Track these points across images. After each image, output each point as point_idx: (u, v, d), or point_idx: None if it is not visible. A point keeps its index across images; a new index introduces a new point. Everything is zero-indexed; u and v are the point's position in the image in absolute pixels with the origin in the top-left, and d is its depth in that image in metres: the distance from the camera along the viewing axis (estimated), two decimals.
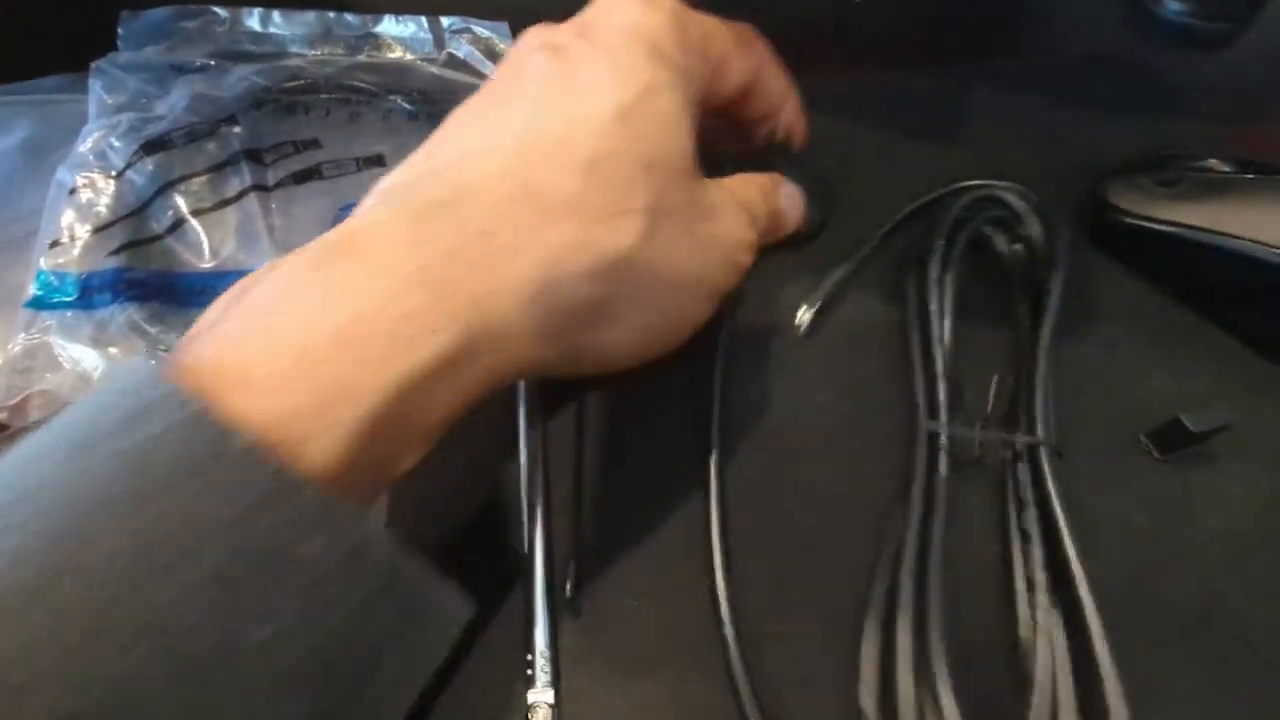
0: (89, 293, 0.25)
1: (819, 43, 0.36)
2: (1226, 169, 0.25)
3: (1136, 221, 0.26)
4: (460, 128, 0.17)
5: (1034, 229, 0.24)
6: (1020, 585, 0.19)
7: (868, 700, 0.17)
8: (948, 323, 0.23)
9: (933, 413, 0.21)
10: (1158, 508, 0.21)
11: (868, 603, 0.19)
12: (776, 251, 0.25)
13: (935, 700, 0.16)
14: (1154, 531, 0.21)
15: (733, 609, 0.18)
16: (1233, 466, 0.22)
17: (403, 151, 0.28)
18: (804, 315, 0.24)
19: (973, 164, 0.30)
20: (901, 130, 0.32)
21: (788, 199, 0.21)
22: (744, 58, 0.20)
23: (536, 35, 0.18)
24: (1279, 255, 0.23)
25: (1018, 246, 0.25)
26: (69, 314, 0.24)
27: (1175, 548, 0.20)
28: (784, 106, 0.22)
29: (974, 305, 0.24)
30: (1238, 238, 0.23)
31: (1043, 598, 0.18)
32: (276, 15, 0.33)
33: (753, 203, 0.20)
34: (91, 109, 0.29)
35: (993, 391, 0.23)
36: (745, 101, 0.21)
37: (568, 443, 0.22)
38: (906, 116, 0.32)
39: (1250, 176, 0.25)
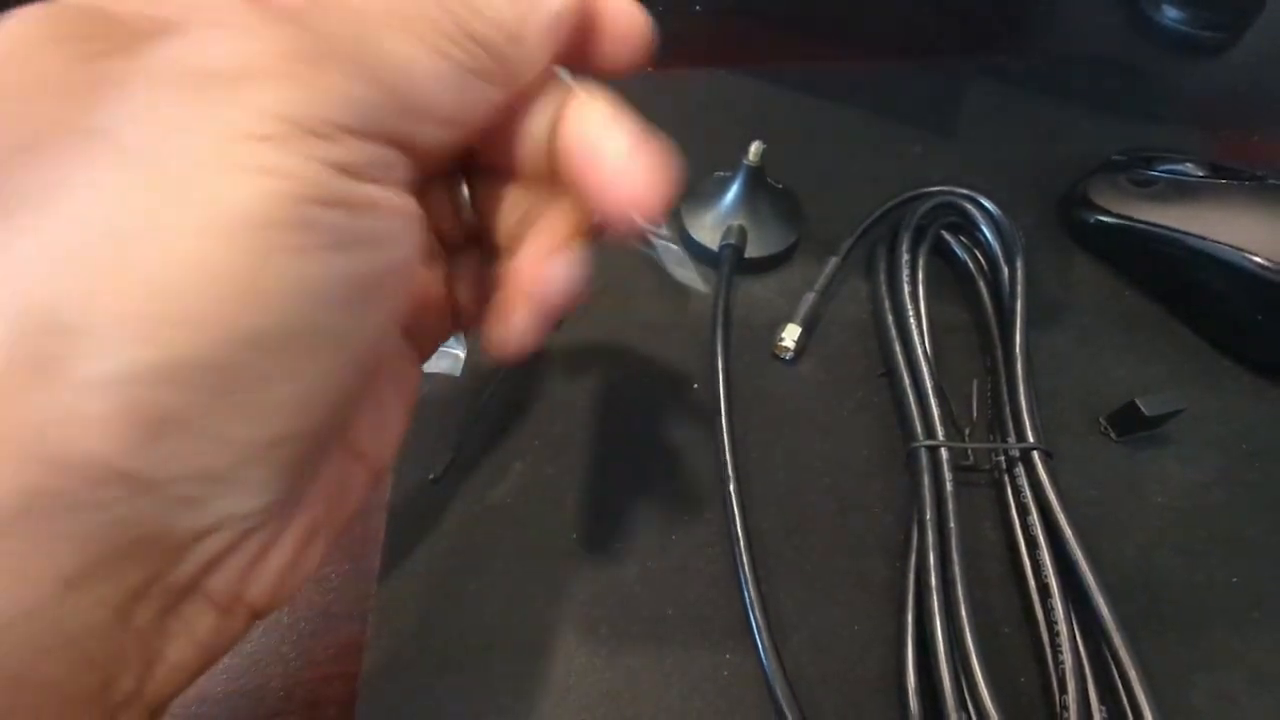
0: None
1: (821, 34, 0.37)
2: (1200, 173, 0.26)
3: (1111, 219, 0.27)
4: None
5: (988, 234, 0.25)
6: (1034, 593, 0.20)
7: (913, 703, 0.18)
8: (927, 333, 0.24)
9: (928, 427, 0.22)
10: (1108, 484, 0.23)
11: (900, 626, 0.19)
12: (750, 276, 0.26)
13: (977, 702, 0.17)
14: (1102, 504, 0.22)
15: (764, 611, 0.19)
16: (1182, 450, 0.24)
17: None
18: (788, 340, 0.24)
19: (963, 158, 0.32)
20: (893, 121, 0.33)
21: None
22: None
23: None
24: (1240, 257, 0.24)
25: (978, 252, 0.26)
26: None
27: (1120, 520, 0.22)
28: None
29: (942, 310, 0.26)
30: (1203, 238, 0.25)
31: (1057, 605, 0.19)
32: None
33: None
34: None
35: (975, 398, 0.24)
36: None
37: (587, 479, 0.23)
38: (900, 107, 0.33)
39: (1222, 182, 0.26)
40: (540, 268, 0.13)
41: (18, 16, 0.10)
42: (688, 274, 0.14)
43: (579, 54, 0.14)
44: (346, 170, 0.10)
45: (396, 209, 0.11)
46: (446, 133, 0.12)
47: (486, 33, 0.12)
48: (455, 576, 0.20)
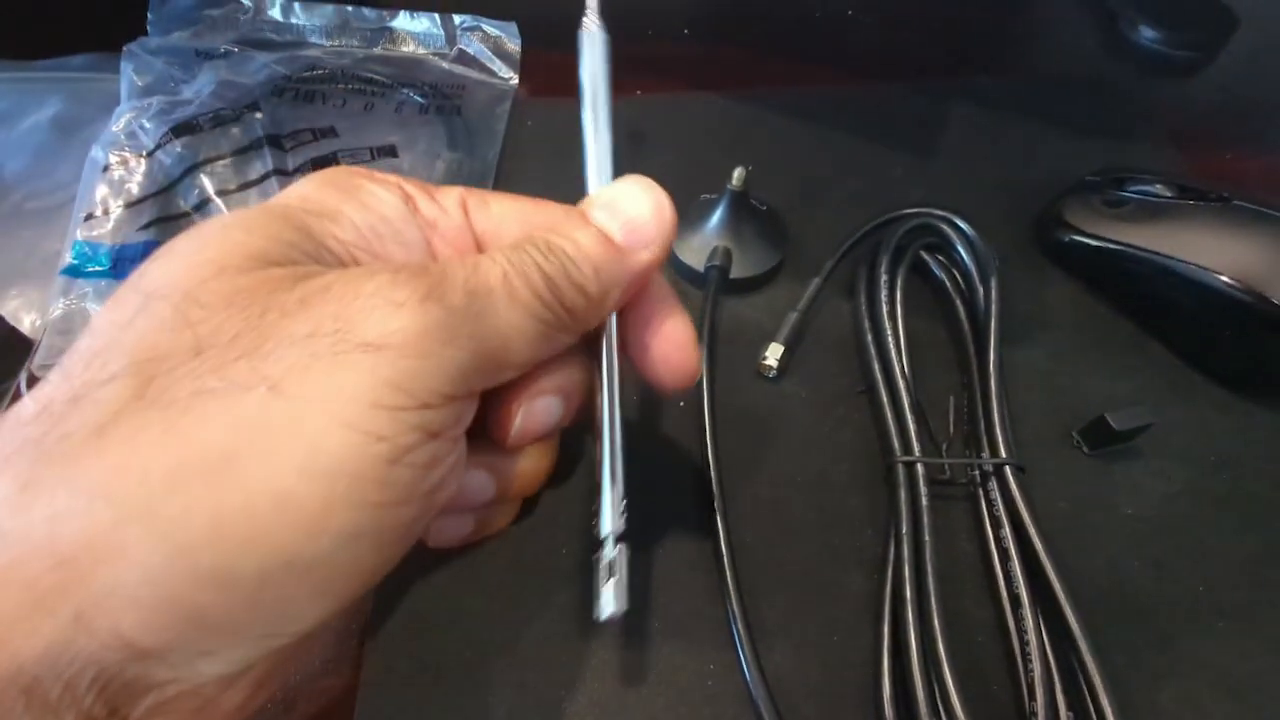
0: (121, 263, 0.27)
1: (806, 57, 0.38)
2: (1169, 194, 0.27)
3: (1085, 238, 0.28)
4: None
5: (964, 254, 0.26)
6: (1006, 604, 0.20)
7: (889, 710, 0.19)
8: (905, 353, 0.25)
9: (905, 443, 0.23)
10: (1080, 497, 0.24)
11: (877, 636, 0.20)
12: (735, 296, 0.27)
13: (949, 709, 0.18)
14: (1074, 516, 0.23)
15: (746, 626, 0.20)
16: (1151, 462, 0.24)
17: (413, 142, 0.31)
18: (771, 359, 0.25)
19: (944, 178, 0.33)
20: (875, 142, 0.34)
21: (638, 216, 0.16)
22: None
23: None
24: (1208, 276, 0.25)
25: (955, 271, 0.27)
26: (103, 282, 0.26)
27: (1091, 531, 0.23)
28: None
29: (922, 327, 0.26)
30: (1172, 258, 0.26)
31: (1028, 615, 0.20)
32: (297, 6, 0.35)
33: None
34: (123, 90, 0.31)
35: (951, 414, 0.25)
36: None
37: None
38: (882, 128, 0.34)
39: (1190, 202, 0.27)
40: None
41: (236, 218, 0.13)
42: (608, 595, 0.15)
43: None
44: (435, 434, 0.13)
45: (455, 461, 0.14)
46: (516, 374, 0.15)
47: (575, 301, 0.15)
48: (450, 591, 0.21)
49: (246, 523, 0.11)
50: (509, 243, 0.15)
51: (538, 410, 0.16)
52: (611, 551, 0.16)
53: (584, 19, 0.17)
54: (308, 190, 0.15)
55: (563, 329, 0.15)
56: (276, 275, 0.12)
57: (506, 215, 0.16)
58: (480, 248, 0.16)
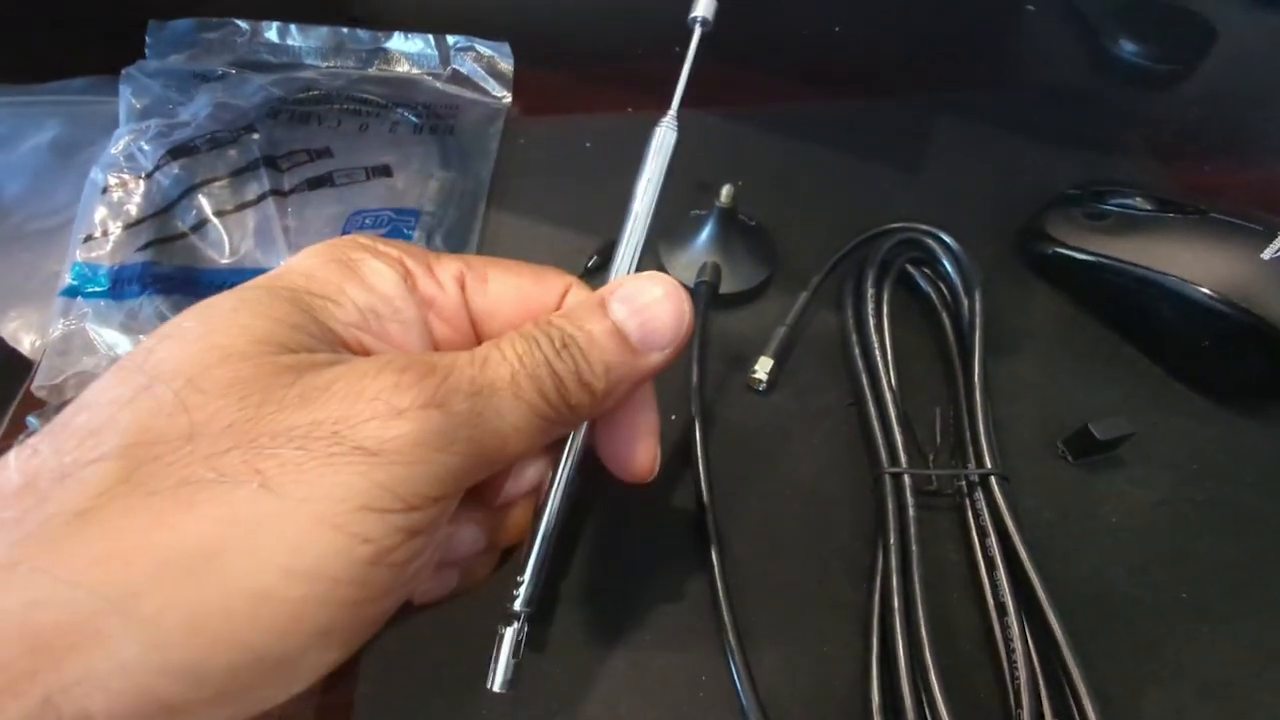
0: (120, 284, 0.27)
1: (790, 71, 0.39)
2: (1149, 207, 0.28)
3: (1067, 250, 0.29)
4: None
5: (949, 268, 0.26)
6: (992, 611, 0.21)
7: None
8: (892, 365, 0.25)
9: (893, 455, 0.23)
10: (1065, 505, 0.24)
11: (866, 646, 0.20)
12: (725, 311, 0.28)
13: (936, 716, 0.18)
14: (1059, 524, 0.24)
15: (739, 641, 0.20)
16: (1134, 471, 0.25)
17: (407, 162, 0.31)
18: (761, 372, 0.26)
19: (930, 191, 0.33)
20: (863, 157, 0.34)
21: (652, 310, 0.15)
22: None
23: None
24: (1187, 287, 0.26)
25: (941, 285, 0.27)
26: (102, 303, 0.27)
27: (1075, 539, 0.23)
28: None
29: (909, 339, 0.27)
30: (1152, 270, 0.26)
31: (1013, 623, 0.20)
32: (293, 28, 0.35)
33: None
34: (121, 113, 0.32)
35: (938, 425, 0.25)
36: None
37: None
38: (869, 143, 0.35)
39: (1169, 215, 0.27)
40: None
41: (242, 299, 0.13)
42: (502, 670, 0.16)
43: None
44: (418, 532, 0.12)
45: (435, 550, 0.14)
46: (506, 466, 0.15)
47: (580, 399, 0.14)
48: (443, 606, 0.21)
49: (223, 622, 0.11)
50: (519, 327, 0.15)
51: (527, 475, 0.16)
52: (516, 627, 0.16)
53: (664, 117, 0.18)
54: (313, 267, 0.15)
55: (563, 425, 0.14)
56: (280, 364, 0.12)
57: (504, 293, 0.16)
58: (476, 326, 0.16)
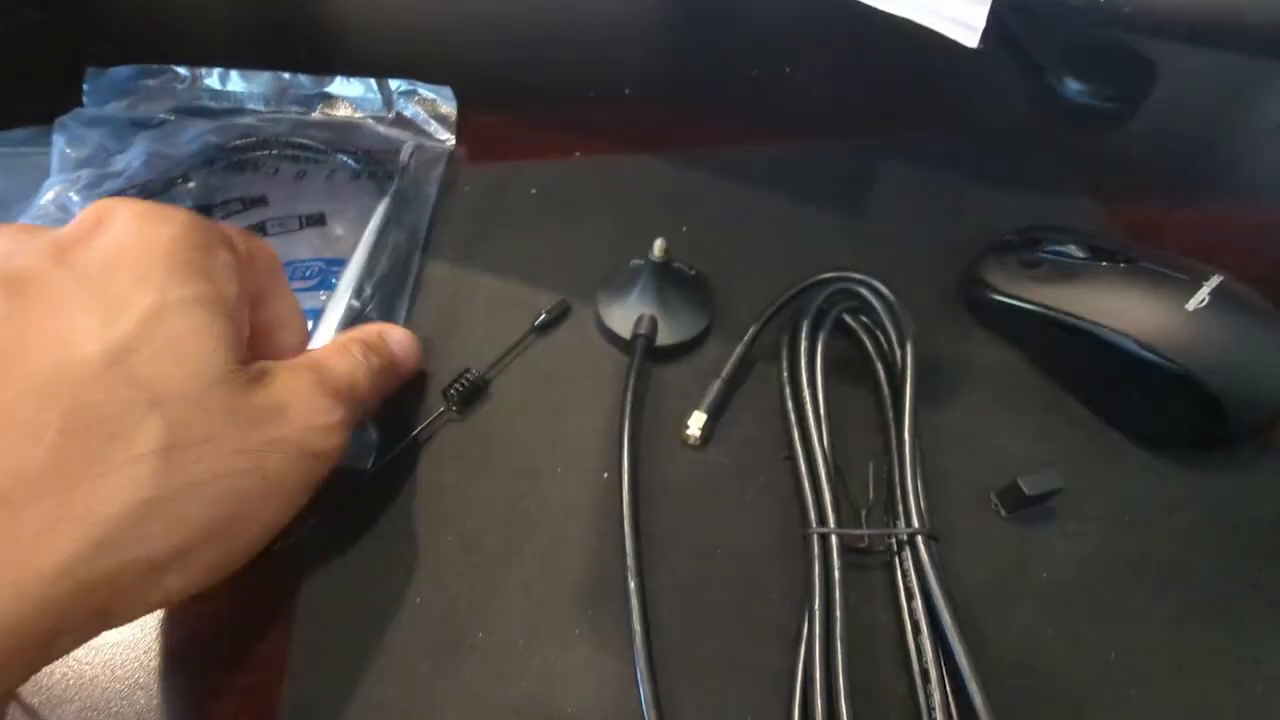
0: None
1: (739, 114, 0.39)
2: (1081, 255, 0.28)
3: (1002, 298, 0.29)
4: None
5: (883, 318, 0.26)
6: (917, 677, 0.21)
7: None
8: (825, 419, 0.25)
9: (821, 515, 0.23)
10: (997, 562, 0.24)
11: (788, 715, 0.20)
12: (664, 363, 0.27)
13: None
14: (991, 582, 0.23)
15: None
16: (1067, 525, 0.25)
17: (343, 210, 0.31)
18: (694, 428, 0.25)
19: (871, 237, 0.33)
20: (807, 202, 0.34)
21: (398, 347, 0.23)
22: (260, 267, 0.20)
23: None
24: (1117, 337, 0.26)
25: (877, 334, 0.27)
26: None
27: (1007, 597, 0.23)
28: (290, 323, 0.21)
29: (846, 390, 0.27)
30: (1083, 319, 0.26)
31: (935, 691, 0.20)
32: (235, 74, 0.35)
33: (338, 376, 0.20)
34: (54, 162, 0.31)
35: (871, 480, 0.25)
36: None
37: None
38: (814, 188, 0.35)
39: (1100, 264, 0.28)
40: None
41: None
42: None
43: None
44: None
45: None
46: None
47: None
48: (364, 679, 0.21)
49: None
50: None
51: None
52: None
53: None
54: None
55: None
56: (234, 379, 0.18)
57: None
58: None
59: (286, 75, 0.35)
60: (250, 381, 0.17)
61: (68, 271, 0.15)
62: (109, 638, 0.21)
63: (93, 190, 0.30)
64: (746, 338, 0.27)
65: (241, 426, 0.16)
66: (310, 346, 0.23)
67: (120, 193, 0.30)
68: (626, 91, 0.40)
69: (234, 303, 0.17)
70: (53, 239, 0.16)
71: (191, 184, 0.31)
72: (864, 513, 0.24)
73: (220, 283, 0.17)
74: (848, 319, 0.28)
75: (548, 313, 0.29)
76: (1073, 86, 0.42)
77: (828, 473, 0.24)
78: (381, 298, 0.28)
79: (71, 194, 0.30)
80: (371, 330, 0.23)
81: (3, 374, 0.14)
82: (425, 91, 0.35)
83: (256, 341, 0.20)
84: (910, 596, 0.22)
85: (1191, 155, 0.39)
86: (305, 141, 0.33)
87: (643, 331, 0.27)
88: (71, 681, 0.20)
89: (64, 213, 0.29)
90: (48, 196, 0.30)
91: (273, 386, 0.18)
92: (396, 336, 0.24)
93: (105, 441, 0.14)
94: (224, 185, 0.31)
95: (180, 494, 0.15)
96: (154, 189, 0.30)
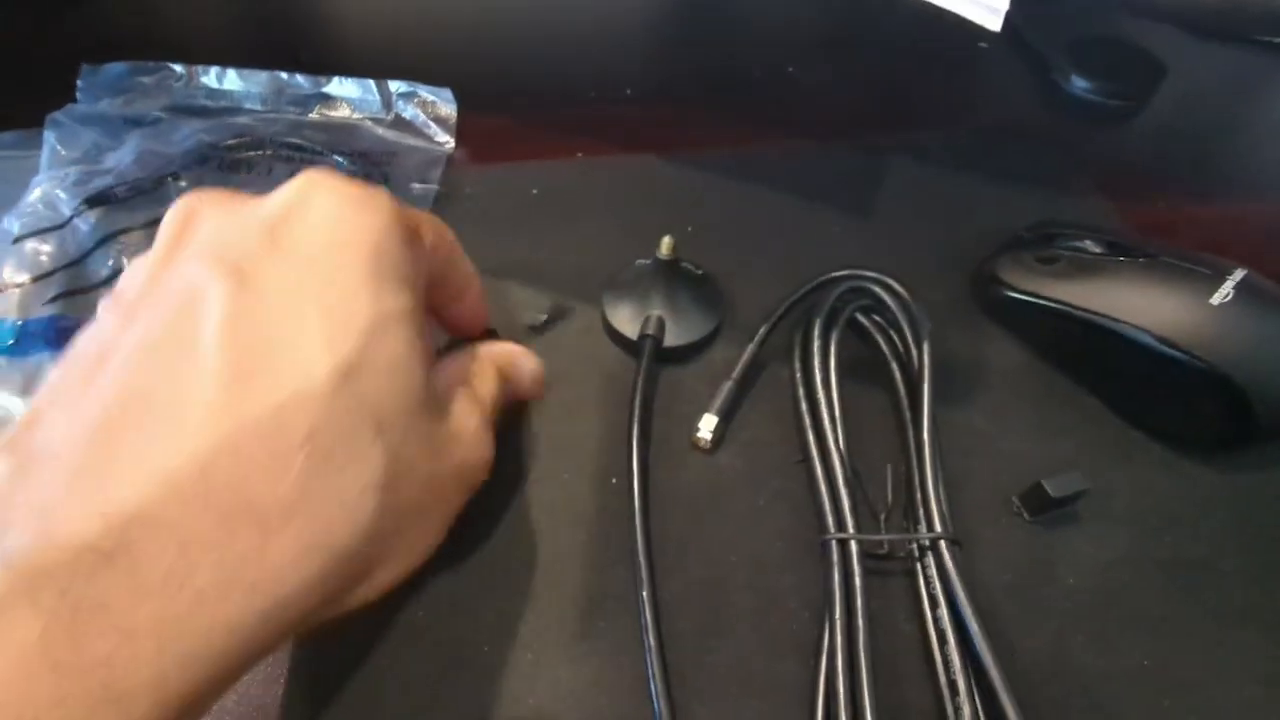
0: (25, 339, 0.25)
1: (742, 114, 0.39)
2: (1098, 250, 0.28)
3: (1018, 295, 0.28)
4: (111, 433, 0.13)
5: (899, 317, 0.25)
6: (944, 689, 0.19)
7: None
8: (840, 421, 0.24)
9: (839, 519, 0.22)
10: (1022, 567, 0.23)
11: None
12: (672, 365, 0.27)
13: None
14: (1016, 589, 0.22)
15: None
16: (1093, 527, 0.24)
17: None
18: (705, 431, 0.24)
19: (882, 236, 0.33)
20: (815, 200, 0.34)
21: (530, 381, 0.22)
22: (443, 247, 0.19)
23: (201, 250, 0.15)
24: (1137, 332, 0.25)
25: (891, 333, 0.26)
26: (2, 359, 0.25)
27: (1033, 604, 0.22)
28: (469, 290, 0.21)
29: (862, 391, 0.26)
30: (1103, 315, 0.26)
31: (965, 704, 0.19)
32: (231, 72, 0.34)
33: (486, 404, 0.19)
34: (44, 159, 0.31)
35: (889, 484, 0.24)
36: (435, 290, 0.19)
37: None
38: (822, 187, 0.34)
39: (1118, 259, 0.27)
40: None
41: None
42: None
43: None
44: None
45: None
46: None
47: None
48: (369, 696, 0.20)
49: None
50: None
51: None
52: None
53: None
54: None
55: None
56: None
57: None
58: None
59: (284, 75, 0.34)
60: (436, 408, 0.17)
61: (283, 260, 0.15)
62: None
63: (81, 187, 0.29)
64: (757, 337, 0.26)
65: (431, 458, 0.16)
66: None
67: (110, 189, 0.29)
68: (628, 92, 0.40)
69: (423, 311, 0.17)
70: (260, 216, 0.15)
71: (183, 182, 0.30)
72: (883, 517, 0.23)
73: (419, 290, 0.17)
74: (861, 318, 0.27)
75: (550, 314, 0.28)
76: (1080, 84, 0.41)
77: (845, 476, 0.23)
78: None
79: (59, 191, 0.29)
80: (505, 355, 0.22)
81: (246, 384, 0.13)
82: (425, 93, 0.35)
83: (437, 315, 0.20)
84: (935, 605, 0.21)
85: (1201, 152, 0.39)
86: (300, 142, 0.32)
87: (650, 332, 0.26)
88: None
89: (52, 210, 0.28)
90: (35, 194, 0.29)
91: (450, 415, 0.18)
92: (530, 369, 0.22)
93: (341, 469, 0.14)
94: (216, 184, 0.30)
95: (392, 525, 0.15)
96: (144, 186, 0.29)
